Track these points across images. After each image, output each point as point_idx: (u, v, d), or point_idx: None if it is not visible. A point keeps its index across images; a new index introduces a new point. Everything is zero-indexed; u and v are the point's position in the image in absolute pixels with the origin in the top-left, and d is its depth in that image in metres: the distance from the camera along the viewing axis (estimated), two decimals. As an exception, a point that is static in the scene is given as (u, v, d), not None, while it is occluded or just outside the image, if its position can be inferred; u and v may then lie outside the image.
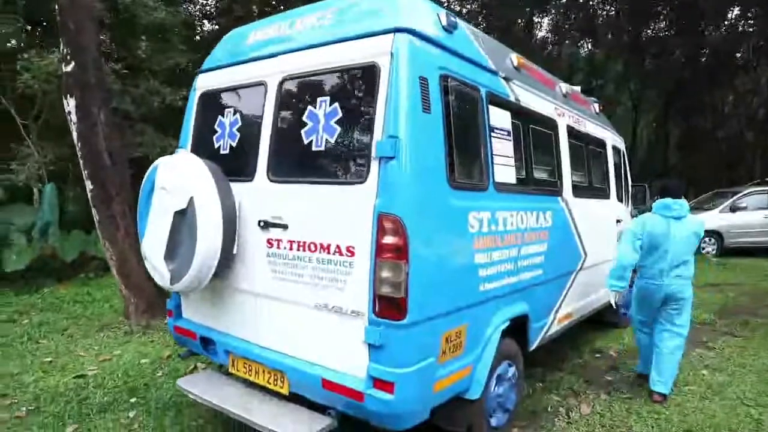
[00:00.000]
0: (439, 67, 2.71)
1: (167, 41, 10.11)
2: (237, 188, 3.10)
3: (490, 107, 3.18)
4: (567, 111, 4.45)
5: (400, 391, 2.44)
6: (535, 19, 26.39)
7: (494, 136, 3.19)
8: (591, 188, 4.92)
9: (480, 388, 3.01)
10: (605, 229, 5.28)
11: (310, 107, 2.82)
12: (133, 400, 4.06)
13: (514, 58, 3.68)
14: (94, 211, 5.85)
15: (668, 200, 4.18)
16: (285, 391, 2.92)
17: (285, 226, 2.87)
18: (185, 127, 3.60)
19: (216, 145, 3.36)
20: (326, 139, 2.72)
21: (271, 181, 2.97)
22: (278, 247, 2.91)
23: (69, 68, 5.61)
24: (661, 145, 25.22)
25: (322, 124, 2.75)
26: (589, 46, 26.17)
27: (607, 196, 5.36)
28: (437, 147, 2.63)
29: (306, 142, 2.80)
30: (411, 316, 2.44)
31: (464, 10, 26.98)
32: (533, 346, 3.84)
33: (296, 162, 2.91)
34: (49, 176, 8.95)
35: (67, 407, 3.92)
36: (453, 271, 2.74)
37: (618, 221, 5.57)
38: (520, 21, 24.79)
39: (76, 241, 8.22)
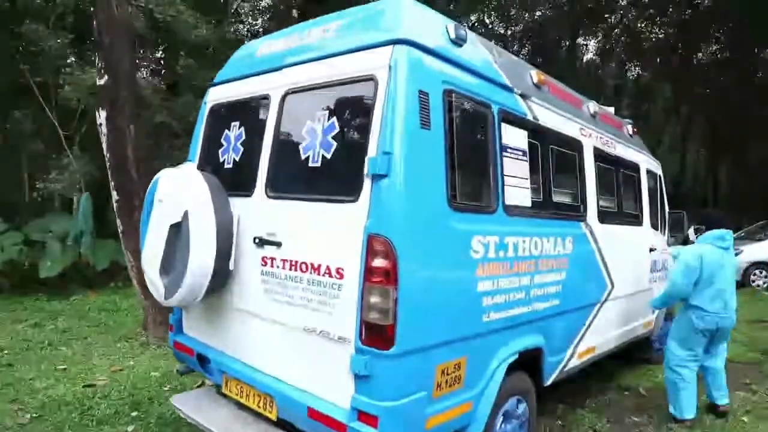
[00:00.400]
0: (443, 81, 2.57)
1: (209, 58, 10.38)
2: (237, 203, 3.02)
3: (503, 125, 3.00)
4: (594, 132, 4.21)
5: (385, 426, 2.25)
6: (581, 41, 25.97)
7: (506, 156, 3.00)
8: (621, 214, 4.61)
9: (481, 425, 2.79)
10: (636, 258, 4.94)
11: (309, 121, 2.73)
12: (134, 413, 4.02)
13: (534, 74, 3.50)
14: (118, 221, 5.95)
15: (723, 231, 4.17)
16: (273, 416, 2.79)
17: (279, 244, 2.77)
18: (194, 140, 3.58)
19: (221, 159, 3.31)
20: (323, 155, 2.61)
21: (269, 197, 2.88)
22: (272, 266, 2.81)
23: (102, 81, 5.78)
24: (710, 172, 24.05)
25: (319, 139, 2.64)
26: (638, 70, 25.45)
27: (639, 223, 5.03)
28: (437, 165, 2.47)
29: (303, 157, 2.70)
30: (399, 345, 2.27)
31: (509, 32, 26.91)
32: (548, 382, 3.57)
33: (293, 178, 2.82)
34: (91, 186, 9.23)
35: (70, 417, 3.91)
36: (451, 299, 2.55)
37: (651, 250, 5.21)
38: (564, 43, 24.41)
39: (109, 249, 8.41)
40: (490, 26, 27.28)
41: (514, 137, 3.11)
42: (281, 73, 2.97)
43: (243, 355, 3.02)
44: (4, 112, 9.01)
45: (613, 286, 4.30)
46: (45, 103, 8.26)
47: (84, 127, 8.85)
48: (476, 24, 27.12)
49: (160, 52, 12.30)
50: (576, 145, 3.87)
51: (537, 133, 3.35)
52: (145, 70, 11.89)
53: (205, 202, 2.83)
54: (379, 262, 2.26)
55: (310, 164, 2.66)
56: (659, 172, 5.88)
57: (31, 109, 8.83)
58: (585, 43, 26.29)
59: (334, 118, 2.61)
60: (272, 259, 2.80)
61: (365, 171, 2.35)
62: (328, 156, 2.59)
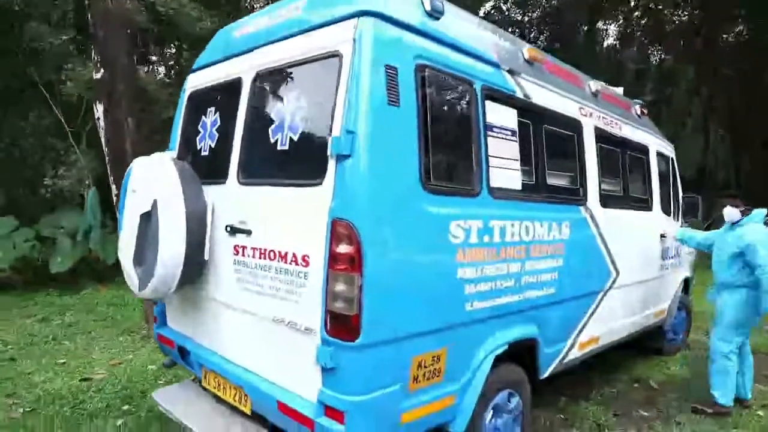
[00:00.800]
0: (415, 55, 2.41)
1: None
2: (213, 191, 2.92)
3: (488, 103, 2.82)
4: (596, 111, 3.99)
5: (352, 422, 2.13)
6: (601, 26, 25.27)
7: (492, 136, 2.83)
8: (627, 198, 4.38)
9: (466, 420, 2.64)
10: (646, 245, 4.71)
11: (278, 103, 2.61)
12: (126, 407, 3.99)
13: (526, 50, 3.30)
14: (119, 215, 5.92)
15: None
16: (248, 410, 2.69)
17: (249, 232, 2.66)
18: (174, 128, 3.49)
19: (198, 147, 3.21)
20: (290, 138, 2.49)
21: (241, 183, 2.78)
22: (243, 255, 2.70)
23: (99, 75, 5.76)
24: (733, 154, 23.14)
25: (287, 121, 2.52)
26: (662, 55, 24.59)
27: (648, 207, 4.78)
28: (407, 145, 2.32)
29: (272, 140, 2.58)
30: (365, 336, 2.13)
31: (526, 18, 26.40)
32: (545, 374, 3.40)
33: (263, 163, 2.70)
34: (99, 182, 9.26)
35: (62, 411, 3.89)
36: (427, 287, 2.40)
37: (662, 236, 4.96)
38: (583, 28, 23.78)
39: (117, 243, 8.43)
40: (506, 12, 26.81)
41: (501, 116, 2.93)
42: (253, 55, 2.85)
43: (219, 347, 2.94)
44: (13, 111, 9.11)
45: (618, 274, 4.09)
46: (51, 99, 8.32)
47: (90, 123, 8.89)
48: (492, 11, 26.70)
49: (173, 48, 12.31)
50: (574, 125, 3.66)
51: (528, 111, 3.16)
52: (157, 66, 11.91)
53: (175, 190, 2.73)
54: (343, 248, 2.13)
55: (279, 148, 2.54)
56: (672, 155, 5.60)
57: (37, 107, 8.89)
58: (605, 27, 25.61)
59: (302, 99, 2.49)
60: (243, 247, 2.69)
61: (329, 152, 2.21)
62: (296, 138, 2.46)
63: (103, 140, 5.87)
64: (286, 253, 2.42)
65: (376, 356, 2.20)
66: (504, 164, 2.91)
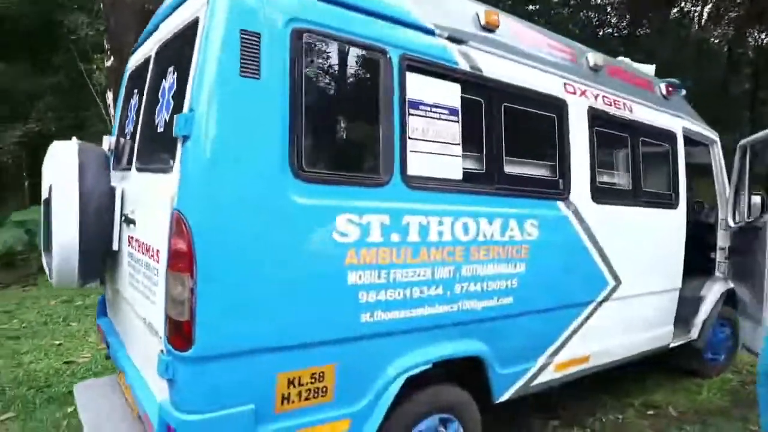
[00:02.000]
0: (291, 19, 2.04)
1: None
2: (126, 177, 2.75)
3: (411, 75, 2.39)
4: (592, 89, 3.38)
5: (186, 445, 1.84)
6: (690, 7, 22.91)
7: (415, 115, 2.40)
8: (637, 193, 3.71)
9: (367, 447, 2.27)
10: (666, 248, 4.00)
11: (162, 81, 2.35)
12: (86, 394, 3.96)
13: (483, 14, 2.79)
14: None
15: None
16: (135, 414, 2.49)
17: (134, 222, 2.44)
18: (116, 112, 3.37)
19: (126, 131, 3.06)
20: (165, 119, 2.23)
21: (137, 169, 2.57)
22: (131, 246, 2.49)
23: (109, 63, 5.85)
24: None
25: (166, 100, 2.26)
26: (763, 36, 21.88)
27: (672, 204, 4.05)
28: (269, 124, 1.96)
29: (156, 122, 2.35)
30: (200, 347, 1.83)
31: (606, 1, 24.58)
32: (503, 398, 2.92)
33: (148, 147, 2.48)
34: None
35: (26, 394, 3.93)
36: (295, 293, 2.03)
37: None
38: (668, 11, 21.62)
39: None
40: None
41: (433, 91, 2.49)
42: (157, 31, 2.63)
43: (125, 343, 2.77)
44: (63, 101, 9.66)
45: (618, 282, 3.48)
46: (94, 90, 8.72)
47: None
48: (567, -6, 25.07)
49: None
50: (555, 105, 3.10)
51: (479, 87, 2.68)
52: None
53: (69, 174, 2.55)
54: (177, 244, 1.84)
55: (158, 130, 2.30)
56: (716, 143, 4.75)
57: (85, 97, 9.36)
58: (694, 9, 23.20)
59: (174, 75, 2.22)
60: (131, 238, 2.49)
61: (173, 132, 1.92)
62: (167, 119, 2.20)
63: (113, 128, 5.96)
64: (149, 247, 2.17)
65: (218, 370, 1.89)
66: (433, 149, 2.47)
